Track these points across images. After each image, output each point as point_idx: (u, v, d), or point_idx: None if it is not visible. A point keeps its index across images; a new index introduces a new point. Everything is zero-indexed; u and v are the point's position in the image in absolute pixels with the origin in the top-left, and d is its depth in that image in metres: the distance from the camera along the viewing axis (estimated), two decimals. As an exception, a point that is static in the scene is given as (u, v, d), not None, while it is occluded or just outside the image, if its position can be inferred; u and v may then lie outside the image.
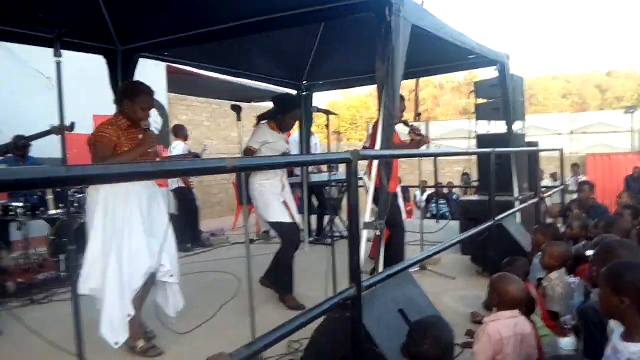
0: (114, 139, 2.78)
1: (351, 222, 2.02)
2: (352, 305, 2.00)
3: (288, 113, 3.86)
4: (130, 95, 2.86)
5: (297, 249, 3.93)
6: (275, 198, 3.82)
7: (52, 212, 4.99)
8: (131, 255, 2.76)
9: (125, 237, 2.76)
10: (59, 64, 2.05)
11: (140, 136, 2.90)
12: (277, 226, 3.81)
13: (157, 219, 2.96)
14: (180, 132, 6.58)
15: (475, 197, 5.88)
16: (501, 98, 5.28)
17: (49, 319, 3.58)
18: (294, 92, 6.54)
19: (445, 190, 10.41)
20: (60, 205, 5.07)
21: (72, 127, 4.46)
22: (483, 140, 5.75)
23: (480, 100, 5.90)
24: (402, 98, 4.49)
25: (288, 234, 3.82)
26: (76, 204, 4.78)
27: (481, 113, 5.87)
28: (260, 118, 3.94)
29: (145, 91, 2.90)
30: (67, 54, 3.12)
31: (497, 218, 3.88)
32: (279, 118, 3.86)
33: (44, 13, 2.04)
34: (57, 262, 4.88)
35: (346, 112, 36.24)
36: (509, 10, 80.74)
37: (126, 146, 2.82)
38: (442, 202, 9.87)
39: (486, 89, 5.78)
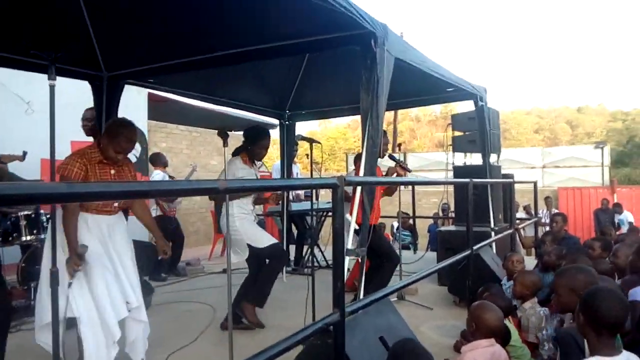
0: (81, 174, 2.71)
1: (336, 247, 2.04)
2: (335, 331, 2.00)
3: (257, 143, 3.94)
4: (110, 134, 2.82)
5: (283, 266, 4.07)
6: (254, 225, 3.94)
7: (25, 238, 4.88)
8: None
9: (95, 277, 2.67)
10: (52, 87, 2.06)
11: (113, 171, 2.86)
12: (271, 247, 3.87)
13: (121, 251, 2.89)
14: (158, 160, 6.55)
15: (452, 228, 5.97)
16: (477, 130, 5.45)
17: (17, 349, 3.46)
18: (276, 121, 6.63)
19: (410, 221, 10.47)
20: (34, 232, 4.96)
21: (24, 156, 4.68)
22: (460, 171, 5.89)
23: (457, 133, 6.06)
24: (384, 133, 4.61)
25: (280, 252, 4.01)
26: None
27: (458, 145, 6.02)
28: (234, 153, 4.01)
29: (126, 136, 2.83)
30: (42, 77, 3.14)
31: (474, 248, 3.95)
32: (249, 149, 3.96)
33: (38, 39, 2.06)
34: (26, 289, 4.73)
35: (325, 142, 36.38)
36: (482, 44, 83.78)
37: (93, 180, 2.73)
38: (405, 232, 9.96)
39: (463, 122, 5.96)
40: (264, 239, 3.88)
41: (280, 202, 5.23)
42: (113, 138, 2.79)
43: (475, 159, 6.08)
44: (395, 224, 10.04)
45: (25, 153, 4.82)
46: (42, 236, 4.87)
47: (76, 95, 4.52)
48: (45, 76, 2.46)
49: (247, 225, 3.83)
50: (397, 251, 5.36)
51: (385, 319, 2.69)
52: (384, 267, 4.42)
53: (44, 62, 2.17)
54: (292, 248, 6.88)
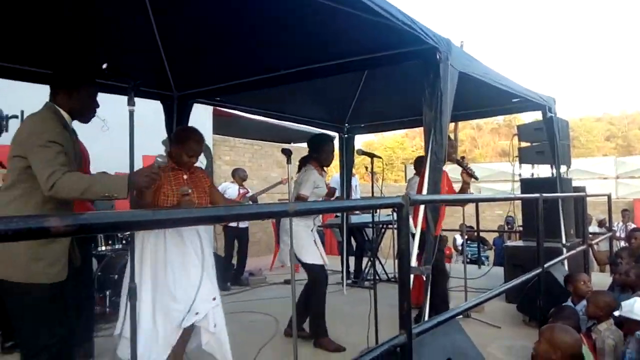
0: (157, 182, 2.77)
1: (401, 266, 2.02)
2: (402, 353, 1.97)
3: (323, 149, 3.97)
4: (179, 140, 2.96)
5: (325, 289, 3.92)
6: (309, 239, 3.88)
7: (102, 248, 5.18)
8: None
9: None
10: (132, 112, 2.20)
11: (185, 176, 2.98)
12: (310, 267, 3.83)
13: (208, 260, 2.98)
14: (236, 174, 6.88)
15: (520, 243, 5.73)
16: (547, 142, 5.23)
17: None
18: (335, 134, 6.68)
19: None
20: (109, 242, 5.26)
21: None
22: (528, 184, 5.66)
23: (524, 144, 5.85)
24: (449, 138, 4.54)
25: (319, 276, 3.85)
26: (124, 241, 4.93)
27: (524, 156, 5.80)
28: (303, 162, 4.05)
29: (194, 139, 2.96)
30: (114, 97, 3.33)
31: (545, 265, 3.77)
32: (316, 157, 3.98)
33: (118, 63, 2.22)
34: (102, 297, 5.00)
35: (382, 152, 36.40)
36: (549, 48, 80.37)
37: (167, 186, 2.88)
38: (474, 245, 9.63)
39: (529, 132, 5.74)
40: (309, 255, 3.80)
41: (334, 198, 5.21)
42: (183, 143, 2.93)
43: (543, 170, 5.82)
44: (458, 238, 9.77)
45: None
46: (117, 246, 5.16)
47: (146, 112, 4.78)
48: (119, 97, 2.62)
49: (301, 234, 3.78)
50: (463, 266, 5.24)
51: (452, 339, 2.61)
52: (437, 281, 4.26)
53: (124, 86, 2.33)
54: (352, 260, 6.88)
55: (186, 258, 2.83)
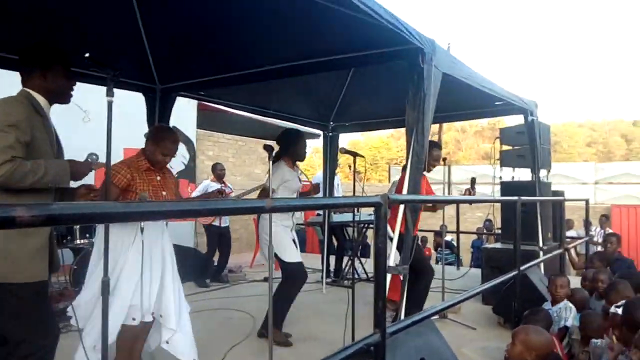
0: (124, 180, 2.80)
1: (377, 266, 2.02)
2: (376, 352, 1.98)
3: (294, 145, 3.97)
4: (155, 139, 2.92)
5: (300, 288, 3.92)
6: (288, 237, 3.89)
7: (78, 241, 5.11)
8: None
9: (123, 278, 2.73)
10: (110, 104, 2.15)
11: (159, 177, 2.95)
12: (291, 265, 3.81)
13: (167, 261, 2.94)
14: (214, 170, 6.78)
15: (498, 245, 5.80)
16: (527, 145, 5.29)
17: (67, 349, 3.59)
18: (320, 132, 6.68)
19: (448, 237, 10.20)
20: (87, 235, 5.19)
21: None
22: (508, 187, 5.72)
23: (505, 147, 5.91)
24: (439, 146, 4.60)
25: (296, 274, 3.84)
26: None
27: (506, 159, 5.87)
28: (275, 159, 4.03)
29: (170, 138, 2.94)
30: (96, 88, 3.27)
31: (521, 268, 3.82)
32: (289, 151, 3.97)
33: (98, 54, 2.17)
34: (77, 291, 4.93)
35: (367, 152, 36.54)
36: (534, 54, 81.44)
37: (140, 186, 2.84)
38: (446, 251, 9.72)
39: (511, 136, 5.81)
40: (290, 254, 3.81)
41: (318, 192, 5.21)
42: (159, 142, 2.90)
43: (524, 173, 5.90)
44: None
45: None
46: (94, 239, 5.10)
47: (130, 104, 4.71)
48: (100, 87, 2.57)
49: (279, 233, 3.76)
50: (442, 267, 5.28)
51: (427, 339, 2.63)
52: (419, 281, 4.30)
53: (103, 76, 2.28)
54: (332, 259, 6.89)
55: (153, 257, 2.81)
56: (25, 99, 2.15)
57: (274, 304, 3.83)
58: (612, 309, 3.00)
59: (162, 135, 2.95)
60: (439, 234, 8.90)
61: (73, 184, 2.31)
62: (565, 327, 3.51)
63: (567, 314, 3.58)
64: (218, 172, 6.67)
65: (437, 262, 8.83)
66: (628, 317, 2.55)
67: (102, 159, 2.33)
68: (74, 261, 5.11)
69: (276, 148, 3.96)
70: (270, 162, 3.10)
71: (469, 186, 4.77)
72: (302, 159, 4.10)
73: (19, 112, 2.06)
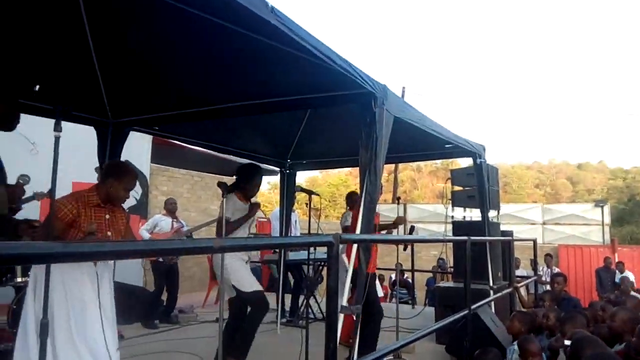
0: (70, 216, 2.71)
1: (330, 305, 2.01)
2: (327, 397, 1.94)
3: (250, 182, 4.03)
4: (117, 174, 2.88)
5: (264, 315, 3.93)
6: (245, 269, 3.91)
7: (19, 279, 4.83)
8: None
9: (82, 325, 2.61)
10: (57, 139, 2.10)
11: (107, 216, 2.87)
12: (254, 294, 3.82)
13: (106, 302, 2.82)
14: (165, 205, 6.62)
15: (451, 284, 5.89)
16: (476, 187, 5.48)
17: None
18: (277, 169, 6.70)
19: (408, 274, 10.34)
20: (28, 273, 4.91)
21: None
22: (459, 226, 5.88)
23: (457, 187, 6.10)
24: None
25: (263, 302, 3.86)
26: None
27: (457, 200, 6.05)
28: (229, 190, 4.02)
29: (132, 173, 2.95)
30: (46, 121, 3.20)
31: (472, 307, 3.89)
32: (242, 187, 4.03)
33: (49, 85, 2.13)
34: (15, 332, 4.62)
35: (325, 189, 36.75)
36: (486, 97, 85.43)
37: (85, 223, 2.75)
38: (402, 290, 9.84)
39: (462, 177, 6.01)
40: (249, 284, 3.83)
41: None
42: (122, 177, 2.86)
43: (476, 213, 6.08)
44: (394, 277, 9.92)
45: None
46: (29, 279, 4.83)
47: (80, 137, 4.60)
48: (50, 120, 2.51)
49: (236, 266, 3.78)
50: (396, 305, 5.30)
51: (379, 381, 2.61)
52: (371, 322, 4.30)
53: (52, 108, 2.23)
54: (288, 298, 6.78)
55: (88, 300, 2.68)
56: None
57: (239, 336, 3.81)
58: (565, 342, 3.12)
59: (124, 171, 2.93)
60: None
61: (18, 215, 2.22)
62: None
63: (510, 356, 3.65)
64: (169, 207, 6.52)
65: (391, 301, 8.87)
66: (573, 352, 2.63)
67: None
68: (14, 300, 4.82)
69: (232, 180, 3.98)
70: (224, 199, 3.09)
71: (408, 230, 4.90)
72: (253, 195, 4.15)
73: None
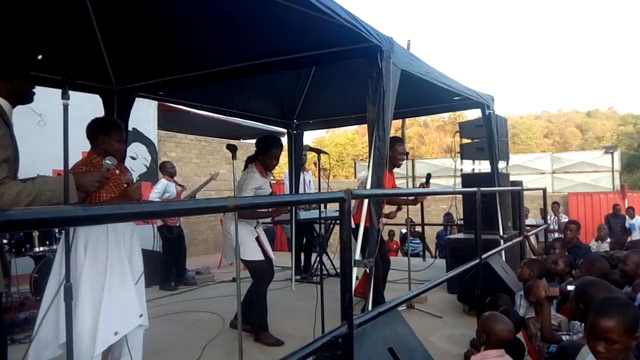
0: None
1: (343, 259, 2.06)
2: (344, 344, 2.02)
3: (268, 153, 3.91)
4: (104, 130, 2.87)
5: (268, 284, 3.96)
6: (250, 235, 3.85)
7: (38, 249, 4.96)
8: (119, 305, 2.67)
9: (114, 284, 2.67)
10: (66, 107, 2.10)
11: (117, 171, 2.89)
12: (253, 264, 3.80)
13: (135, 261, 2.90)
14: (164, 169, 6.60)
15: (461, 235, 5.96)
16: (485, 138, 5.46)
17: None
18: (284, 130, 6.69)
19: (418, 229, 10.48)
20: (46, 242, 5.03)
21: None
22: (468, 179, 5.89)
23: (465, 140, 6.08)
24: (402, 142, 4.69)
25: (260, 271, 3.82)
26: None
27: (466, 152, 6.03)
28: (248, 160, 4.03)
29: (117, 124, 2.94)
30: (52, 92, 3.20)
31: (483, 256, 3.95)
32: (261, 159, 3.94)
33: (52, 56, 2.12)
34: (39, 300, 4.79)
35: (333, 149, 36.71)
36: (491, 48, 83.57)
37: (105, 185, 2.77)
38: (415, 241, 9.97)
39: (470, 130, 5.97)
40: (249, 252, 3.76)
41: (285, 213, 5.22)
42: (108, 129, 2.86)
43: (484, 165, 6.08)
44: (404, 231, 10.04)
45: None
46: (55, 247, 4.95)
47: (87, 107, 4.62)
48: (56, 90, 2.52)
49: (241, 231, 3.70)
50: (407, 258, 5.39)
51: (394, 329, 2.69)
52: (377, 270, 4.35)
53: (58, 78, 2.23)
54: (302, 256, 6.92)
55: (124, 266, 2.76)
56: None
57: (251, 308, 3.85)
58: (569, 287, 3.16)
59: (107, 123, 2.93)
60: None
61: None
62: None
63: (519, 302, 3.72)
64: (169, 171, 6.53)
65: (405, 255, 9.00)
66: (578, 297, 2.65)
67: (57, 162, 2.27)
68: (35, 269, 4.96)
69: (245, 148, 3.96)
70: (234, 162, 3.10)
71: (424, 181, 4.90)
72: (270, 169, 4.02)
73: None
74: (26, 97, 2.23)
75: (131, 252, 2.86)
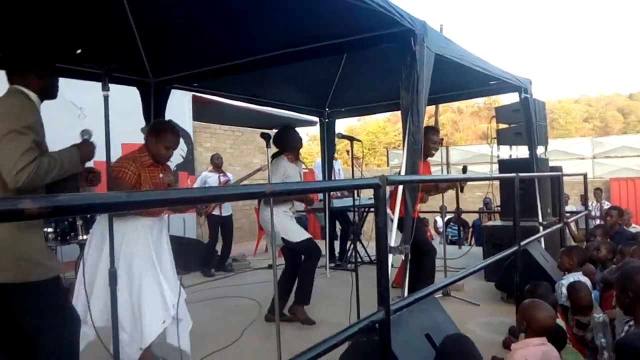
0: (134, 177, 2.83)
1: (379, 245, 2.05)
2: (380, 329, 2.02)
3: (289, 143, 4.09)
4: (156, 132, 2.94)
5: (318, 260, 4.09)
6: (292, 220, 4.06)
7: (82, 237, 5.15)
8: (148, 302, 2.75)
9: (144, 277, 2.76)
10: (106, 98, 2.17)
11: (161, 175, 2.97)
12: (304, 243, 3.96)
13: (164, 254, 2.99)
14: (211, 161, 6.87)
15: (498, 223, 5.85)
16: (523, 123, 5.31)
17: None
18: (316, 118, 6.69)
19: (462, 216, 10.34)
20: (90, 231, 5.22)
21: None
22: (506, 165, 5.76)
23: (502, 125, 5.93)
24: (436, 131, 4.62)
25: (313, 248, 4.00)
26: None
27: (503, 138, 5.89)
28: (274, 155, 4.10)
29: (171, 130, 2.97)
30: (93, 85, 3.29)
31: (522, 243, 3.86)
32: (287, 146, 4.09)
33: (91, 49, 2.18)
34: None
35: (364, 137, 36.47)
36: (527, 32, 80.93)
37: (146, 184, 2.87)
38: (455, 226, 9.82)
39: (507, 114, 5.82)
40: (298, 234, 3.97)
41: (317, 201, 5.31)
42: (160, 135, 2.93)
43: (521, 151, 5.93)
44: (438, 220, 9.92)
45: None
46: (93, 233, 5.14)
47: (124, 99, 4.74)
48: (95, 83, 2.59)
49: (282, 219, 3.91)
50: (443, 246, 5.33)
51: (431, 316, 2.68)
52: (423, 261, 4.33)
53: (97, 71, 2.30)
54: (336, 244, 6.95)
55: (163, 247, 2.85)
56: (27, 99, 2.16)
57: (299, 284, 4.00)
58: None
59: (162, 128, 2.98)
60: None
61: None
62: None
63: (560, 290, 3.64)
64: (215, 162, 6.77)
65: (440, 243, 8.92)
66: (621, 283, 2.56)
67: (102, 154, 2.36)
68: (79, 256, 5.15)
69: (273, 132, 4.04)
70: (268, 150, 3.13)
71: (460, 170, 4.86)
72: (298, 148, 4.19)
73: (31, 114, 2.11)
74: (52, 93, 2.34)
75: (160, 247, 2.95)
